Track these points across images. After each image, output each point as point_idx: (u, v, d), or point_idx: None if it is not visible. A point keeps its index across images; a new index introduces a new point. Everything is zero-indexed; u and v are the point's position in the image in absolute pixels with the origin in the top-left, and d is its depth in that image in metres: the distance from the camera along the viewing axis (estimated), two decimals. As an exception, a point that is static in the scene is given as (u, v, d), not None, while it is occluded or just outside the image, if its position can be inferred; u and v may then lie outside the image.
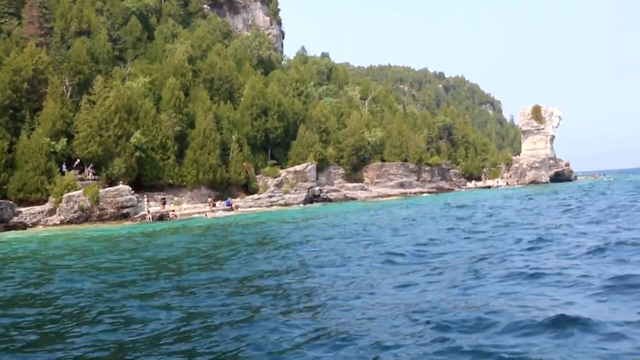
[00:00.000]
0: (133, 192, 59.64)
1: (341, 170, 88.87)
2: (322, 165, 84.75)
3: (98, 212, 56.53)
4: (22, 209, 55.26)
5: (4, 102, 62.42)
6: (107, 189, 57.87)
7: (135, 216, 57.57)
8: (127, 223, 55.36)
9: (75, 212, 55.59)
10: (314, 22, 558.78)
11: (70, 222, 55.14)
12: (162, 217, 57.62)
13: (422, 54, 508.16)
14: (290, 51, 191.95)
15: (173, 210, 61.52)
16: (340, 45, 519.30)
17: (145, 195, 62.71)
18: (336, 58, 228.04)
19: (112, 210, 56.88)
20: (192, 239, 34.56)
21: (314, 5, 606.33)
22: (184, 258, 24.78)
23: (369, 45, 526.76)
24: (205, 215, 60.98)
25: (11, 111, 63.40)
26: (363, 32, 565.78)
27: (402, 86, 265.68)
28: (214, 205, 67.25)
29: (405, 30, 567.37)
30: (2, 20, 77.58)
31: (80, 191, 56.48)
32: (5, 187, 57.65)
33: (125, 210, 57.47)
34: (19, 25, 76.81)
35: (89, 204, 56.04)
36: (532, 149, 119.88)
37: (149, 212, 58.11)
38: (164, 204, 64.84)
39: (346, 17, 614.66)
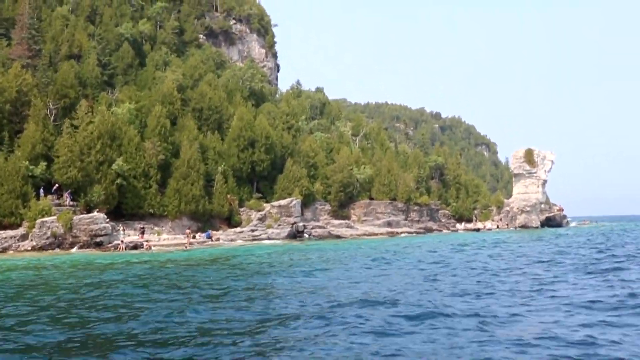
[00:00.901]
0: (108, 220, 58.17)
1: (328, 207, 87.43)
2: (308, 201, 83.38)
3: (71, 240, 55.09)
4: (-7, 233, 53.81)
5: (-16, 123, 61.38)
6: (81, 216, 56.42)
7: (109, 245, 56.03)
8: (89, 251, 53.86)
9: (47, 238, 54.15)
10: (312, 58, 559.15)
11: (42, 248, 53.71)
12: (135, 247, 55.95)
13: (419, 94, 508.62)
14: (286, 85, 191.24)
15: (147, 241, 59.86)
16: (339, 82, 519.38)
17: (120, 225, 61.28)
18: (333, 94, 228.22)
19: (85, 238, 55.40)
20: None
21: (313, 41, 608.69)
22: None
23: (367, 82, 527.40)
24: (185, 247, 59.55)
25: (-8, 133, 62.36)
26: (361, 69, 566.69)
27: (397, 124, 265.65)
28: (194, 236, 65.81)
29: (403, 69, 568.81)
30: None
31: (54, 217, 55.03)
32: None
33: (99, 239, 55.94)
34: (8, 47, 75.97)
35: (62, 231, 54.61)
36: (523, 193, 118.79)
37: (122, 241, 56.50)
38: (143, 233, 63.33)
39: (346, 53, 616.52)
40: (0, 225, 56.00)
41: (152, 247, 57.94)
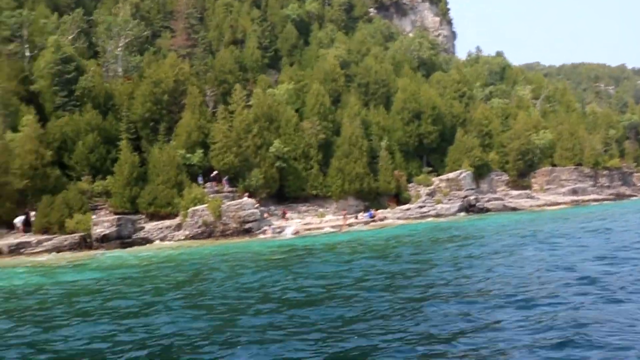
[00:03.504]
0: (257, 205, 56.00)
1: (505, 177, 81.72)
2: (483, 172, 78.26)
3: (221, 227, 53.44)
4: (149, 224, 53.70)
5: (144, 114, 61.80)
6: (229, 202, 54.85)
7: (257, 232, 54.31)
8: (243, 240, 52.51)
9: (199, 227, 53.01)
10: (498, 23, 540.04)
11: (194, 237, 52.77)
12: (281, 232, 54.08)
13: (619, 50, 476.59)
14: (466, 52, 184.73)
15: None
16: (530, 45, 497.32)
17: (265, 209, 59.50)
18: (525, 58, 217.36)
19: (234, 225, 53.57)
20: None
21: (498, 4, 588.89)
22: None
23: (561, 43, 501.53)
24: (340, 229, 57.16)
25: (152, 123, 62.74)
26: (554, 29, 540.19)
27: (596, 84, 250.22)
28: (356, 217, 63.36)
29: (600, 25, 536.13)
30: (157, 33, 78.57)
31: (205, 205, 54.05)
32: (137, 201, 56.24)
33: (247, 225, 53.96)
34: (173, 38, 77.11)
35: (212, 219, 53.47)
36: None
37: (270, 226, 54.78)
38: (284, 216, 61.51)
39: (535, 14, 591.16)
40: (158, 216, 56.02)
41: (300, 231, 55.81)
